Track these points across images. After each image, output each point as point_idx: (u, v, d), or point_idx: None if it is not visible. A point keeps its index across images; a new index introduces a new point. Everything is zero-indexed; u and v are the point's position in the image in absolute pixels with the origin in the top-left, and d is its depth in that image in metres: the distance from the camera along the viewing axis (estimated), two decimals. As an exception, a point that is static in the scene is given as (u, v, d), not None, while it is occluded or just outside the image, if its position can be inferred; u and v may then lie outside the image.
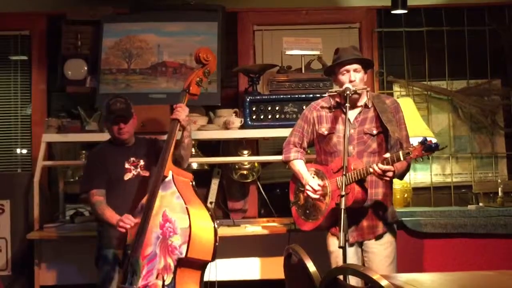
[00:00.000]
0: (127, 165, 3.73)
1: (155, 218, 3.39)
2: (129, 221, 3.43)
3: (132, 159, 3.75)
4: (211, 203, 4.83)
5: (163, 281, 3.29)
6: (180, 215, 3.31)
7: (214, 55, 3.76)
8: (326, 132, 3.57)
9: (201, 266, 3.42)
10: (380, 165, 3.21)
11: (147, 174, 3.74)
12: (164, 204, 3.39)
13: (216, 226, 3.41)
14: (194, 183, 3.54)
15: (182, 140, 3.69)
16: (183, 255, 3.26)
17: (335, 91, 3.49)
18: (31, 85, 5.06)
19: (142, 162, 3.76)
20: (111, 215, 3.57)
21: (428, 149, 3.06)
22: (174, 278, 3.27)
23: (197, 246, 3.30)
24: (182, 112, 3.60)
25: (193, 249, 3.28)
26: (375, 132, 3.50)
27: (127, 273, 3.40)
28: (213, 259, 3.39)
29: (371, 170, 3.24)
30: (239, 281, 4.36)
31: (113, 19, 4.74)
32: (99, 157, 3.80)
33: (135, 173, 3.73)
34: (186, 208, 3.31)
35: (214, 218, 3.43)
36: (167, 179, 3.44)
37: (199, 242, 3.31)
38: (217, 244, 3.38)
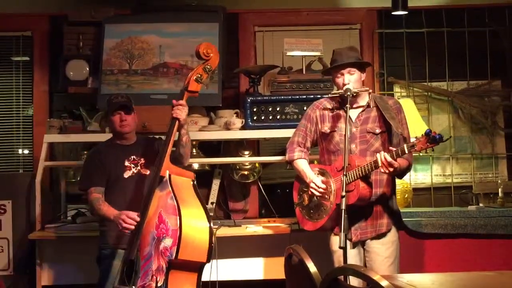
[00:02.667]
0: (127, 163, 3.73)
1: (152, 218, 3.36)
2: (130, 221, 3.40)
3: (132, 157, 3.74)
4: (212, 203, 4.85)
5: (156, 282, 3.25)
6: (172, 216, 3.27)
7: (216, 50, 3.64)
8: (328, 130, 3.59)
9: (196, 268, 3.35)
10: (387, 156, 3.22)
11: (147, 172, 3.73)
12: (161, 205, 3.36)
13: (212, 226, 3.34)
14: (195, 182, 3.50)
15: (180, 138, 3.65)
16: (173, 257, 3.21)
17: (337, 93, 3.51)
18: (33, 85, 5.08)
19: (142, 160, 3.75)
20: (107, 209, 3.58)
21: (432, 141, 3.07)
22: (166, 281, 3.23)
23: (189, 247, 3.24)
24: (182, 110, 3.54)
25: (184, 251, 3.22)
26: (378, 131, 3.52)
27: (125, 273, 3.37)
28: (208, 260, 3.32)
29: (378, 157, 3.23)
30: (240, 281, 4.36)
31: (114, 20, 4.75)
32: (98, 155, 3.80)
33: (135, 171, 3.73)
34: (178, 209, 3.25)
35: (210, 218, 3.36)
36: (164, 179, 3.40)
37: (192, 243, 3.25)
38: (212, 245, 3.32)
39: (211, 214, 4.75)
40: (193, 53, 3.79)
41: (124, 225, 3.41)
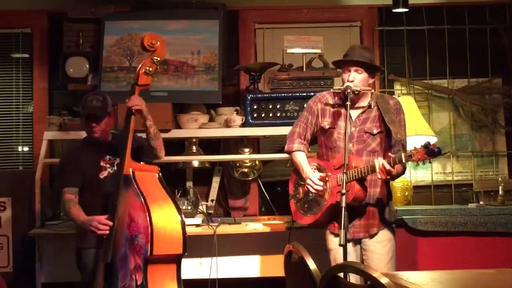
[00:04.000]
0: (102, 164, 3.65)
1: (123, 218, 3.35)
2: (104, 226, 3.37)
3: (107, 157, 3.65)
4: (212, 201, 4.84)
5: (136, 281, 3.25)
6: (141, 213, 3.26)
7: (161, 40, 3.60)
8: (327, 126, 3.58)
9: (174, 259, 3.36)
10: (386, 164, 3.22)
11: None
12: (129, 203, 3.35)
13: (183, 218, 3.34)
14: (160, 174, 3.48)
15: (147, 131, 3.58)
16: (149, 254, 3.21)
17: (338, 89, 3.50)
18: (32, 82, 5.07)
19: (118, 160, 3.62)
20: (77, 213, 3.53)
21: (430, 154, 3.05)
22: (145, 278, 3.23)
23: (162, 241, 3.24)
24: (140, 103, 3.50)
25: (159, 246, 3.22)
26: (375, 131, 3.51)
27: (105, 277, 3.38)
28: (184, 251, 3.32)
29: (376, 164, 3.23)
30: (240, 278, 4.36)
31: (114, 17, 4.73)
32: (73, 156, 3.73)
33: (111, 171, 3.63)
34: (146, 204, 3.25)
35: (180, 209, 3.35)
36: (128, 177, 3.38)
37: (164, 237, 3.25)
38: (186, 235, 3.32)
39: (211, 211, 4.78)
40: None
41: (99, 232, 3.39)
